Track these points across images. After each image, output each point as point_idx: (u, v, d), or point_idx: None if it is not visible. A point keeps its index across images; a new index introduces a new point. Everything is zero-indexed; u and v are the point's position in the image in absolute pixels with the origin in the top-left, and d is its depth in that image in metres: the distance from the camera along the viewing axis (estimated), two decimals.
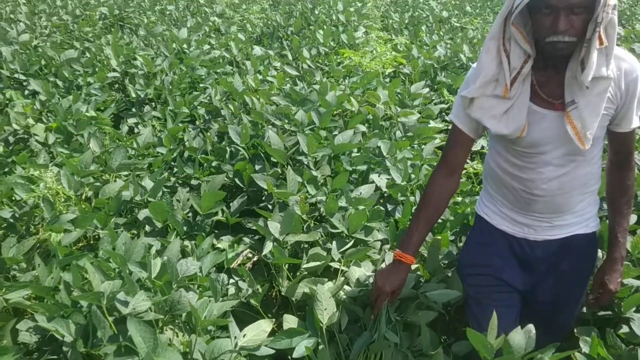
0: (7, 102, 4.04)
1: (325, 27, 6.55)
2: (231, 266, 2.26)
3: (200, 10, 8.29)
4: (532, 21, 1.51)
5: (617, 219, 1.77)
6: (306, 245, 2.38)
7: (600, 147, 1.70)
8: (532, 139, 1.62)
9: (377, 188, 2.71)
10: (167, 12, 7.99)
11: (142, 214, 2.61)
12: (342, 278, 2.15)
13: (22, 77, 4.55)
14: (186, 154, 3.31)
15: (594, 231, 1.81)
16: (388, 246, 2.39)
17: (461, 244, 2.38)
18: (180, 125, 3.66)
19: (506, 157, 1.74)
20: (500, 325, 1.55)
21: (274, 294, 2.36)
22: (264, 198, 2.81)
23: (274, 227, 2.29)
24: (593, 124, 1.52)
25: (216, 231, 2.65)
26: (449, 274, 2.20)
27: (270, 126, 3.19)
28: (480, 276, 1.89)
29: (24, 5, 7.97)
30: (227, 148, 3.12)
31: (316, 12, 7.62)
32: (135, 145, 3.38)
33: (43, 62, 4.89)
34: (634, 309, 1.94)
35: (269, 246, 2.25)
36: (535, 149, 1.65)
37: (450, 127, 1.83)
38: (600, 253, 1.98)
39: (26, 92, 4.35)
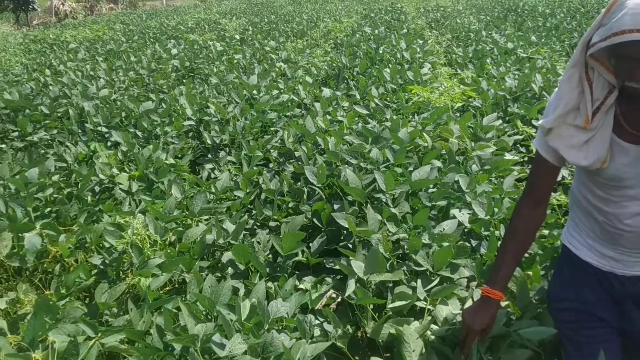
0: (92, 153, 4.26)
1: (390, 65, 6.59)
2: (316, 307, 2.24)
3: (266, 57, 8.54)
4: (612, 59, 1.42)
5: None
6: (390, 284, 2.34)
7: None
8: (614, 172, 1.52)
9: (459, 223, 2.65)
10: (235, 61, 8.27)
11: (226, 256, 2.65)
12: (429, 317, 2.09)
13: (105, 130, 4.80)
14: (263, 196, 3.36)
15: None
16: (475, 283, 2.32)
17: (550, 280, 2.28)
18: (255, 168, 3.74)
19: (590, 188, 1.65)
20: None
21: (359, 334, 2.32)
22: (342, 237, 2.80)
23: (358, 266, 2.27)
24: None
25: (297, 272, 2.65)
26: (541, 310, 2.11)
27: (346, 165, 3.20)
28: (571, 311, 1.77)
29: (103, 62, 8.47)
30: (304, 189, 3.15)
31: (380, 52, 7.70)
32: (213, 190, 3.47)
33: (123, 115, 5.15)
34: None
35: (352, 286, 2.23)
36: (617, 183, 1.54)
37: (534, 156, 1.77)
38: None
39: (108, 143, 4.57)
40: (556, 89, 1.59)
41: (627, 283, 1.66)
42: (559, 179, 3.38)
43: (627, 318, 1.70)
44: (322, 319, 2.19)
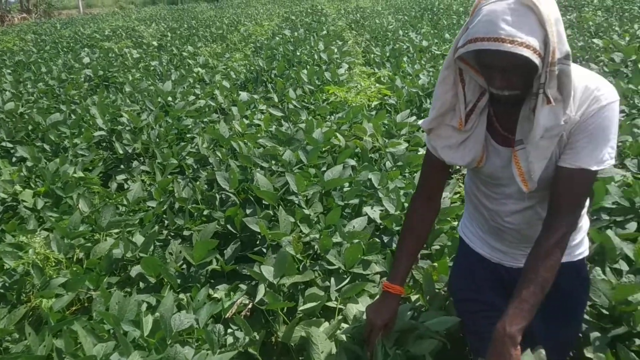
0: None
1: (308, 66, 6.60)
2: (226, 316, 2.19)
3: (183, 62, 8.37)
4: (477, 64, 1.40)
5: (519, 283, 1.44)
6: (303, 286, 2.32)
7: None
8: (489, 171, 1.54)
9: (371, 220, 2.67)
10: (152, 68, 8.06)
11: (135, 270, 2.55)
12: (340, 317, 2.08)
13: (9, 145, 4.54)
14: (177, 205, 3.27)
15: (580, 259, 1.68)
16: (386, 278, 2.33)
17: (450, 271, 2.32)
18: (169, 177, 3.64)
19: (476, 183, 1.67)
20: None
21: (273, 340, 2.28)
22: (258, 242, 2.76)
23: (268, 271, 2.24)
24: (539, 168, 1.39)
25: (212, 281, 2.59)
26: (449, 302, 2.15)
27: (259, 169, 3.16)
28: (469, 301, 1.79)
29: (9, 74, 8.04)
30: (217, 195, 3.08)
31: (298, 54, 7.70)
32: (125, 202, 3.34)
33: (30, 128, 4.89)
34: None
35: (261, 291, 2.19)
36: (495, 180, 1.56)
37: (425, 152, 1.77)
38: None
39: (14, 159, 4.33)
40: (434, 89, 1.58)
41: (515, 275, 1.64)
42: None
43: None
44: (235, 328, 2.15)
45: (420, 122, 1.59)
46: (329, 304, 2.16)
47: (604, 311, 1.95)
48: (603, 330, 1.91)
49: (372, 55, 7.99)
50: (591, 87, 1.34)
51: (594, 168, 1.36)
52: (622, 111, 4.15)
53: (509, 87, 1.31)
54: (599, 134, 1.34)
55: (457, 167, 3.77)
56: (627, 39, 6.85)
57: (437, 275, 2.22)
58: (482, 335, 1.72)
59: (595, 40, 6.95)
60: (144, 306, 2.19)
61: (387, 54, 7.82)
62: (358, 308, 2.06)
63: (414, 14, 14.61)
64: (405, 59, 7.21)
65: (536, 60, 1.22)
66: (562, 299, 1.68)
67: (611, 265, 2.16)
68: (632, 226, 2.47)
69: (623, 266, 2.23)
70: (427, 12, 14.82)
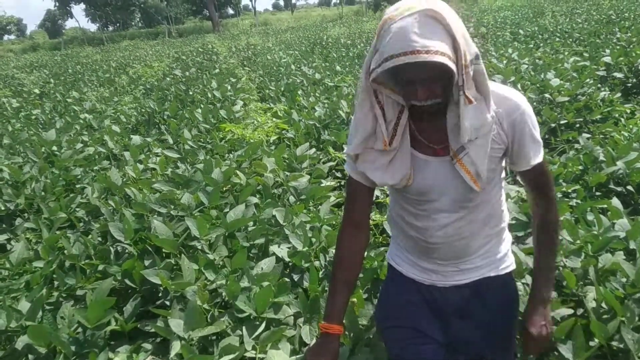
0: None
1: (202, 105, 6.46)
2: None
3: (68, 109, 7.94)
4: (395, 82, 1.43)
5: (539, 257, 1.66)
6: (214, 338, 2.17)
7: (497, 188, 1.61)
8: (419, 187, 1.54)
9: (279, 259, 2.57)
10: (33, 117, 7.58)
11: (21, 341, 2.28)
12: None
13: None
14: (68, 263, 3.00)
15: (507, 272, 1.71)
16: (302, 319, 2.23)
17: (377, 300, 2.28)
18: (57, 233, 3.35)
19: (402, 205, 1.66)
20: None
21: None
22: (160, 295, 2.57)
23: (177, 324, 2.07)
24: (484, 165, 1.46)
25: (112, 343, 2.37)
26: (371, 337, 2.09)
27: (156, 215, 2.98)
28: (398, 329, 1.76)
29: None
30: (111, 248, 2.86)
31: (191, 93, 7.54)
32: (8, 265, 3.03)
33: None
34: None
35: (176, 347, 2.02)
36: (424, 197, 1.56)
37: (347, 180, 1.74)
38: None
39: None
40: (353, 115, 1.57)
41: (449, 294, 1.68)
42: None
43: (452, 331, 1.71)
44: None
45: (344, 150, 1.56)
46: (247, 354, 2.02)
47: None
48: None
49: (267, 91, 7.99)
50: (504, 95, 1.46)
51: (541, 159, 1.54)
52: None
53: (431, 96, 1.36)
54: (532, 132, 1.48)
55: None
56: (505, 62, 7.30)
57: (357, 310, 2.15)
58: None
59: None
60: None
61: (282, 89, 7.85)
62: (280, 355, 1.94)
63: (304, 48, 14.89)
64: (299, 92, 7.26)
65: (452, 65, 1.27)
66: (495, 316, 1.68)
67: (519, 280, 2.19)
68: (531, 241, 2.54)
69: (529, 280, 2.27)
70: (317, 46, 15.17)
